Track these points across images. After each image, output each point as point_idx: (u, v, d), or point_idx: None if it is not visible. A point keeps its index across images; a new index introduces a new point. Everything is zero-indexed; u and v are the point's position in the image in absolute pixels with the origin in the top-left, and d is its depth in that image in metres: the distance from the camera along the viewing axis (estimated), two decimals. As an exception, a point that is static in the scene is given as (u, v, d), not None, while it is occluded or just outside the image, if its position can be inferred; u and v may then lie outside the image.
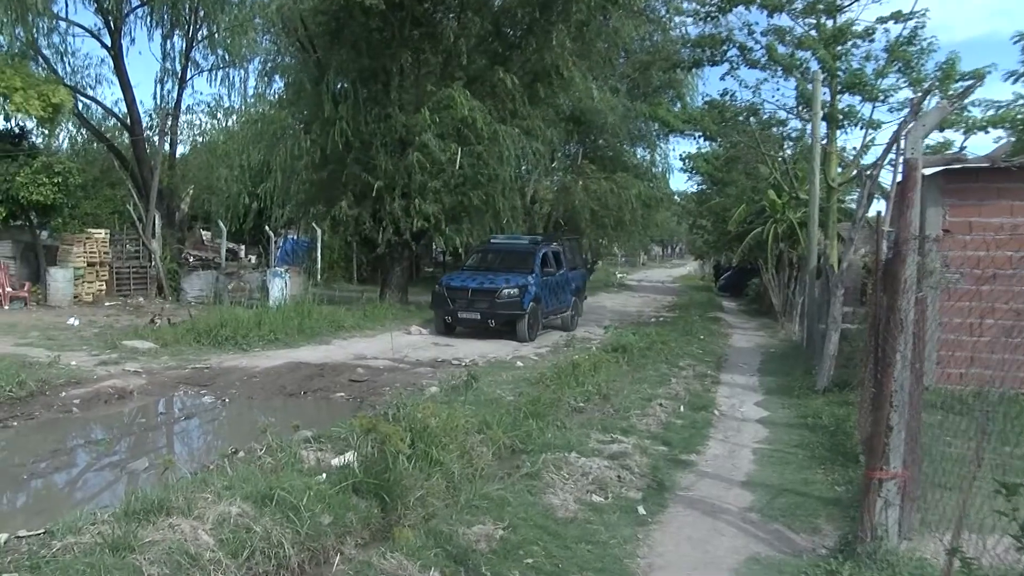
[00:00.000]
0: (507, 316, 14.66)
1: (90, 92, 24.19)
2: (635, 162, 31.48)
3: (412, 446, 5.00)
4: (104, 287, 18.49)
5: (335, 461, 5.30)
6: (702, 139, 21.82)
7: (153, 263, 19.46)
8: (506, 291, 14.62)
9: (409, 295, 20.22)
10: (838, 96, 17.37)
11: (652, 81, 28.37)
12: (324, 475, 4.92)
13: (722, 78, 19.48)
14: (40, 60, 20.82)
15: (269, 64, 20.84)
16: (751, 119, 19.60)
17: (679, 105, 27.65)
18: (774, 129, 20.24)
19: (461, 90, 17.12)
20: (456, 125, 17.35)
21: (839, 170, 17.96)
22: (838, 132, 17.73)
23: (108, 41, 21.77)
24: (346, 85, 17.72)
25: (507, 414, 6.77)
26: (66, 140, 26.62)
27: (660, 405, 8.46)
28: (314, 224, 20.81)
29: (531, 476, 5.54)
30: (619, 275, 43.07)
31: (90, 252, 18.26)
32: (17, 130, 19.52)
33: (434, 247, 37.86)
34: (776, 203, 21.63)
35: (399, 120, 17.60)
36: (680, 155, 35.97)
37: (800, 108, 18.70)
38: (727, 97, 19.86)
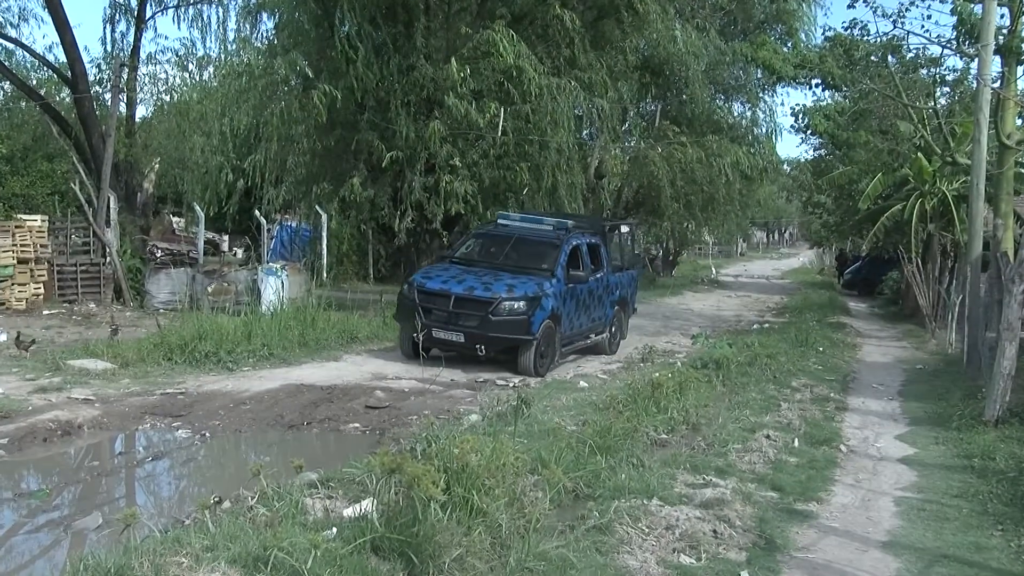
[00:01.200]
0: (506, 340, 12.78)
1: (12, 33, 24.41)
2: (731, 122, 31.29)
3: (447, 491, 5.04)
4: (42, 290, 18.73)
5: (348, 511, 5.37)
6: (821, 88, 21.65)
7: (108, 259, 19.83)
8: (507, 302, 12.72)
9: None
10: (1022, 19, 16.58)
11: (753, 14, 28.18)
12: (334, 529, 4.98)
13: (850, 5, 18.83)
14: None
15: (254, -1, 21.05)
16: (889, 58, 19.25)
17: (790, 45, 27.41)
18: (922, 71, 19.87)
19: (504, 31, 17.15)
20: (498, 78, 17.41)
21: (1018, 123, 17.46)
22: (1019, 70, 17.09)
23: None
24: (357, 26, 17.76)
25: (568, 449, 6.79)
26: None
27: (767, 437, 8.41)
28: (318, 207, 21.12)
29: (600, 530, 5.55)
30: (709, 270, 42.78)
31: (21, 245, 18.30)
32: None
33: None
34: (925, 170, 21.23)
35: (425, 72, 17.68)
36: (791, 109, 35.58)
37: (961, 39, 18.14)
38: (856, 31, 19.53)
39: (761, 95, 30.98)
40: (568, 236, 14.29)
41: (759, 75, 28.19)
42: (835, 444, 8.55)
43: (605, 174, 28.68)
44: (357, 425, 9.32)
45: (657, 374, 10.15)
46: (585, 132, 23.14)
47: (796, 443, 8.39)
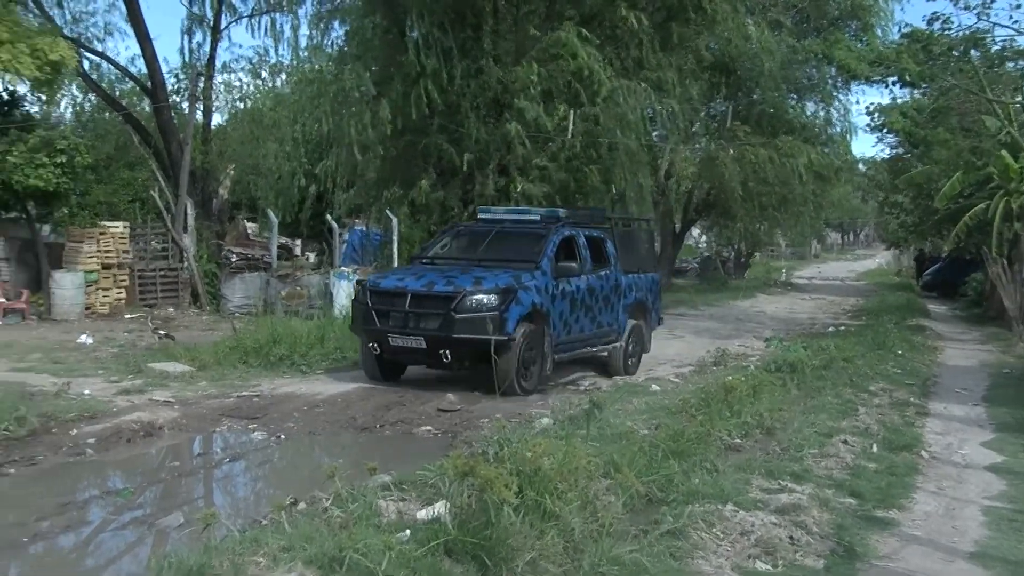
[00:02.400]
0: (475, 343, 10.55)
1: (97, 47, 25.21)
2: (804, 121, 30.86)
3: (520, 494, 5.03)
4: (124, 295, 19.24)
5: (421, 514, 5.39)
6: (897, 86, 21.15)
7: (185, 264, 20.31)
8: (472, 296, 10.72)
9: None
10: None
11: (828, 10, 27.71)
12: (408, 532, 5.00)
13: (931, -1, 18.36)
14: (31, 4, 21.85)
15: (325, 6, 21.31)
16: (972, 52, 18.74)
17: (865, 41, 26.89)
18: (1008, 64, 19.27)
19: (574, 31, 17.12)
20: (567, 80, 17.40)
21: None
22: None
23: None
24: (428, 31, 17.91)
25: (641, 453, 6.73)
26: (69, 108, 28.01)
27: (844, 443, 8.24)
28: (388, 211, 21.33)
29: (674, 534, 5.48)
30: (782, 272, 42.21)
31: (105, 251, 18.86)
32: (6, 96, 20.32)
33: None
34: (1011, 168, 20.59)
35: (494, 75, 17.77)
36: (867, 108, 34.93)
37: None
38: (936, 25, 19.05)
39: (835, 94, 30.46)
40: (558, 226, 12.35)
41: (833, 73, 27.68)
42: (916, 450, 8.34)
43: (675, 175, 28.48)
44: (429, 428, 9.39)
45: (730, 377, 10.03)
46: (655, 133, 23.01)
47: (875, 448, 8.21)
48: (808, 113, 31.79)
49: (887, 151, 35.89)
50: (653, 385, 11.80)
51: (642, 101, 18.32)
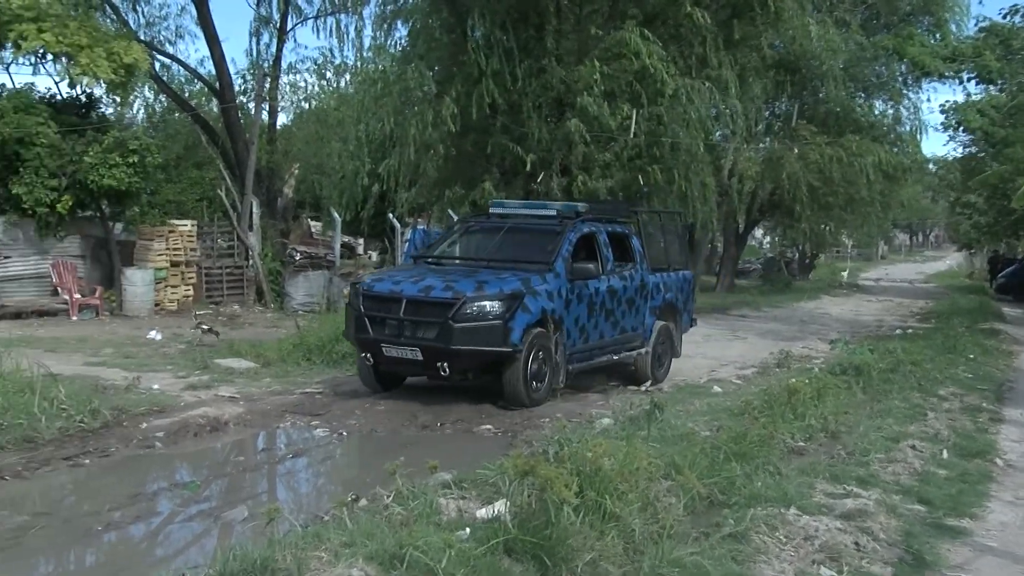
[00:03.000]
0: (477, 355, 9.88)
1: (169, 49, 25.86)
2: (871, 120, 30.32)
3: (580, 494, 5.01)
4: (191, 292, 19.66)
5: (481, 512, 5.41)
6: (973, 82, 20.59)
7: (251, 262, 20.63)
8: (474, 303, 9.78)
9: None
10: None
11: (899, 6, 27.17)
12: (468, 530, 5.02)
13: (1009, -9, 17.82)
14: (108, 10, 22.47)
15: (389, 7, 21.44)
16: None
17: (938, 37, 26.30)
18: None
19: (636, 31, 17.05)
20: (629, 79, 17.31)
21: None
22: None
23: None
24: (491, 31, 17.94)
25: (703, 455, 6.68)
26: (141, 110, 28.81)
27: (912, 448, 8.07)
28: (450, 210, 21.44)
29: (735, 538, 5.42)
30: (843, 273, 41.53)
31: (174, 249, 19.30)
32: (84, 99, 20.97)
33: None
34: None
35: (556, 75, 17.74)
36: (941, 106, 34.17)
37: None
38: (1017, 17, 18.49)
39: (905, 91, 29.83)
40: (576, 223, 11.37)
41: (903, 70, 27.13)
42: (990, 457, 8.11)
43: (737, 174, 28.18)
44: (489, 427, 9.41)
45: (794, 379, 9.90)
46: (718, 133, 22.79)
47: (945, 455, 8.02)
48: (876, 111, 31.22)
49: (959, 150, 35.03)
50: (715, 386, 11.72)
51: (705, 100, 18.13)
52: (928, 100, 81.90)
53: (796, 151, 26.31)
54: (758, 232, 43.76)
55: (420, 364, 9.98)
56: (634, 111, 17.25)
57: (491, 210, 12.60)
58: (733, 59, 19.18)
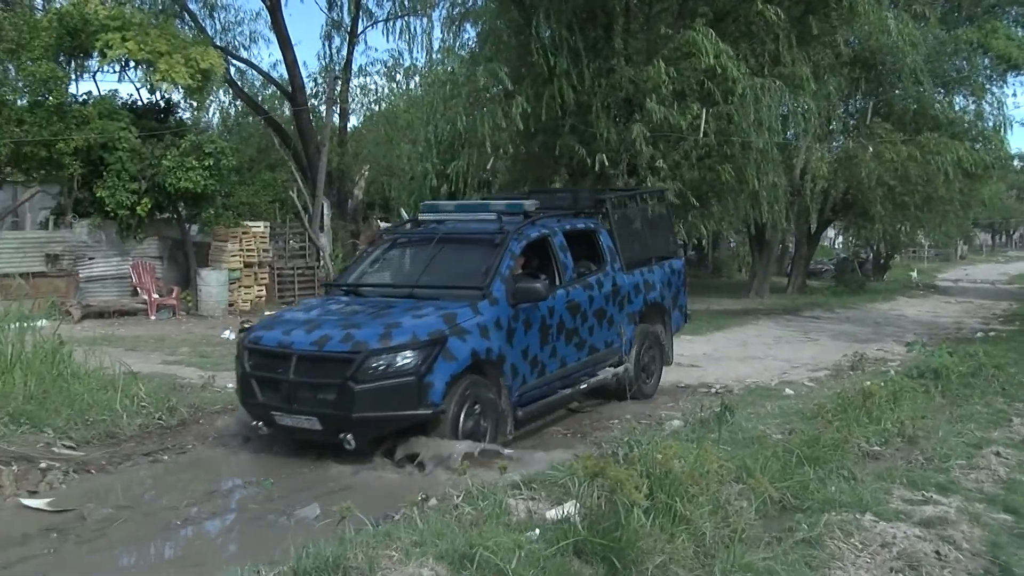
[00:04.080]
0: (387, 422, 7.70)
1: (243, 54, 26.56)
2: (951, 116, 29.50)
3: (650, 497, 4.98)
4: (264, 292, 20.07)
5: (551, 513, 5.41)
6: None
7: (322, 263, 20.95)
8: (379, 357, 7.57)
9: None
10: None
11: (983, -4, 26.46)
12: (537, 531, 5.02)
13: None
14: (186, 17, 23.05)
15: (458, 9, 21.63)
16: None
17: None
18: None
19: (705, 31, 16.92)
20: (699, 78, 17.19)
21: None
22: None
23: (264, -12, 23.64)
24: (558, 32, 17.95)
25: (774, 458, 6.58)
26: (216, 114, 29.55)
27: (996, 455, 7.78)
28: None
29: (809, 543, 5.32)
30: (914, 274, 40.59)
31: (247, 250, 19.77)
32: (162, 104, 21.54)
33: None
34: None
35: (625, 75, 17.70)
36: (1027, 101, 33.32)
37: None
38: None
39: (988, 86, 29.02)
40: (522, 227, 9.21)
41: (986, 64, 26.39)
42: (1082, 466, 7.84)
43: (809, 173, 27.74)
44: (559, 428, 9.42)
45: (869, 382, 9.69)
46: (790, 132, 22.47)
47: (1031, 462, 7.77)
48: (956, 107, 30.42)
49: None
50: (786, 389, 11.53)
51: (776, 99, 17.91)
52: (1014, 95, 79.75)
53: (871, 149, 25.78)
54: (830, 232, 42.98)
55: (315, 434, 7.85)
56: (704, 110, 17.11)
57: (420, 215, 10.27)
58: (806, 56, 18.94)
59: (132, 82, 20.46)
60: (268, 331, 8.29)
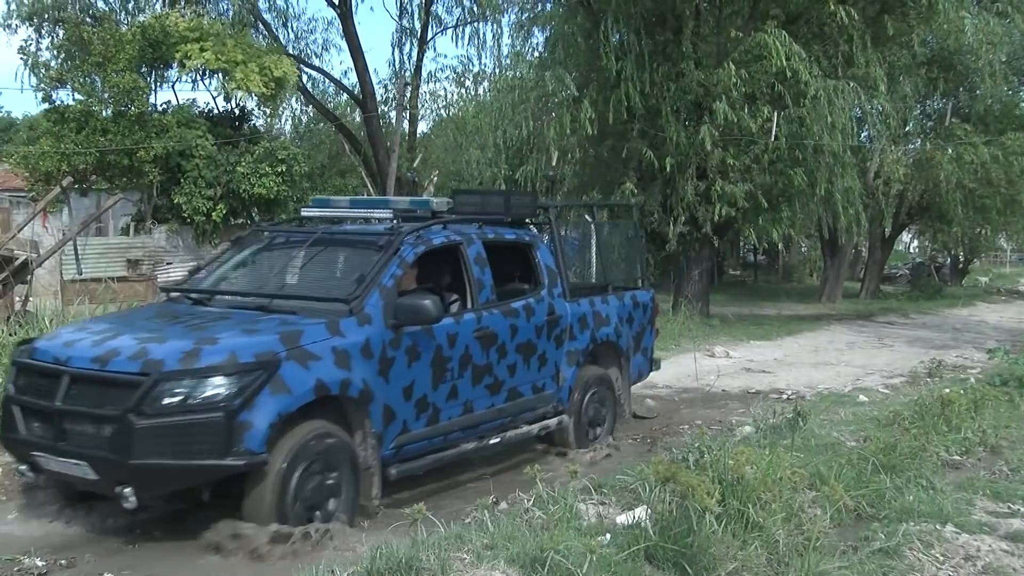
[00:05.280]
0: (179, 474, 5.62)
1: (315, 62, 26.99)
2: (1035, 116, 28.72)
3: (722, 503, 4.93)
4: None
5: (621, 518, 5.38)
6: None
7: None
8: (177, 383, 5.56)
9: (711, 305, 20.11)
10: None
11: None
12: (608, 536, 5.00)
13: None
14: (260, 26, 23.51)
15: (527, 14, 21.73)
16: None
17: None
18: None
19: (776, 33, 16.72)
20: (770, 81, 17.01)
21: None
22: None
23: (336, -3, 23.97)
24: (627, 36, 17.94)
25: (849, 465, 6.45)
26: (288, 121, 30.09)
27: (1085, 466, 7.61)
28: (587, 216, 21.43)
29: (886, 553, 5.20)
30: (985, 279, 39.46)
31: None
32: (237, 111, 22.00)
33: (742, 243, 37.61)
34: None
35: (695, 78, 17.59)
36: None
37: None
38: None
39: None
40: (420, 230, 7.18)
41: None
42: None
43: (883, 176, 27.23)
44: (627, 433, 9.36)
45: (948, 390, 9.45)
46: (864, 134, 22.09)
47: None
48: (1044, 106, 29.59)
49: None
50: (860, 395, 11.31)
51: (850, 101, 17.63)
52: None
53: (950, 151, 25.21)
54: (905, 236, 42.09)
55: (94, 484, 5.72)
56: (775, 113, 16.91)
57: (304, 211, 8.50)
58: (881, 57, 18.61)
59: (208, 91, 20.98)
60: (50, 341, 6.23)
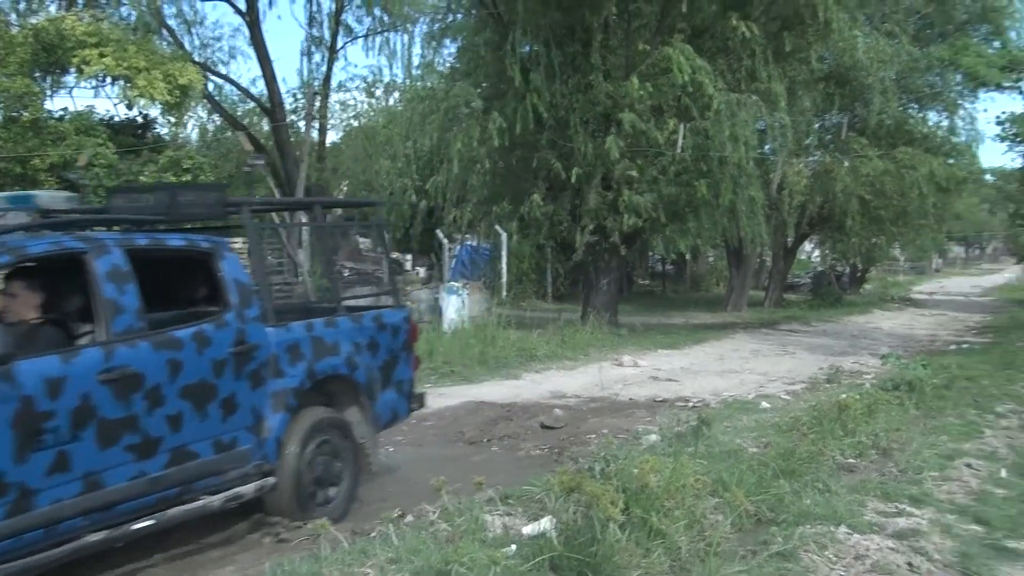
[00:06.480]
0: None
1: (222, 69, 26.61)
2: (925, 131, 29.91)
3: (626, 511, 5.00)
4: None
5: (527, 529, 5.40)
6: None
7: (300, 278, 20.91)
8: None
9: (619, 315, 20.33)
10: None
11: (954, 15, 26.88)
12: (513, 547, 5.01)
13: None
14: (164, 32, 23.04)
15: (438, 25, 21.71)
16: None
17: (996, 45, 25.94)
18: None
19: (681, 47, 17.06)
20: (677, 93, 17.33)
21: None
22: None
23: (243, 5, 23.57)
24: (535, 47, 18.08)
25: (750, 471, 6.61)
26: (195, 129, 29.52)
27: (968, 466, 7.86)
28: (497, 227, 21.55)
29: (784, 556, 5.34)
30: (889, 288, 40.92)
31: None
32: (140, 119, 21.49)
33: (651, 254, 38.19)
34: None
35: (603, 90, 17.81)
36: (997, 118, 33.54)
37: None
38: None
39: (960, 102, 29.42)
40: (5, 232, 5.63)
41: (958, 81, 26.75)
42: (1049, 476, 7.91)
43: (787, 187, 28.02)
44: (535, 443, 9.40)
45: (844, 395, 9.75)
46: (767, 146, 22.67)
47: (1003, 474, 7.80)
48: (930, 122, 30.81)
49: (1018, 160, 34.39)
50: (763, 402, 11.54)
51: (753, 114, 18.09)
52: (985, 110, 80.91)
53: (847, 164, 26.07)
54: (807, 246, 43.31)
55: None
56: (681, 125, 17.23)
57: None
58: (782, 72, 19.14)
59: (109, 98, 20.41)
60: None
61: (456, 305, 18.12)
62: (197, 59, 23.37)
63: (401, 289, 8.43)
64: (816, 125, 28.40)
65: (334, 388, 6.86)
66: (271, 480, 6.11)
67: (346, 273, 22.03)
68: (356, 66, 73.69)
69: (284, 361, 6.29)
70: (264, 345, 6.16)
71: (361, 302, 8.49)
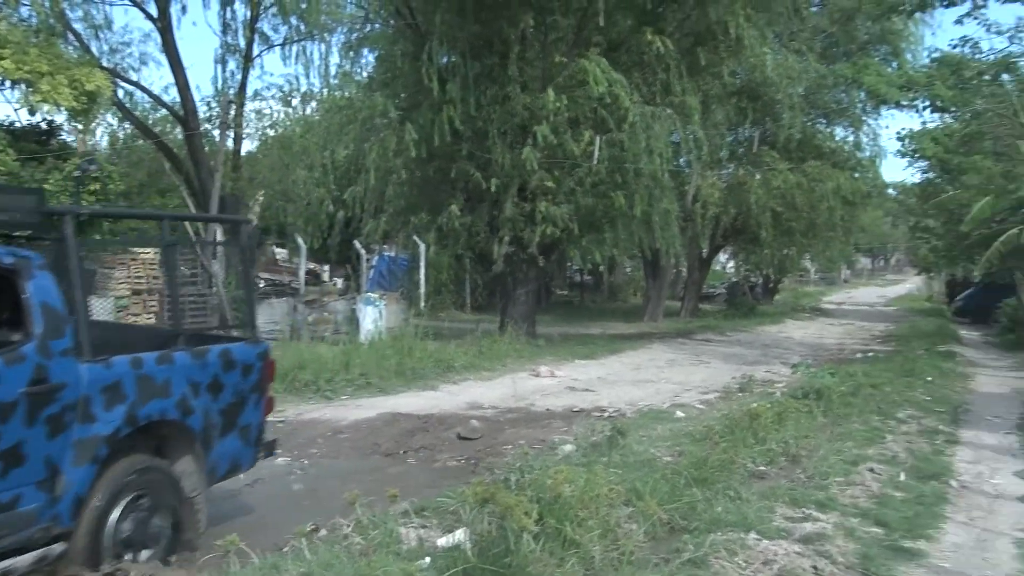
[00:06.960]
0: None
1: (132, 76, 25.77)
2: (832, 146, 30.81)
3: (540, 522, 5.03)
4: (153, 320, 19.56)
5: (442, 541, 5.41)
6: (928, 110, 21.10)
7: (215, 289, 20.53)
8: None
9: (538, 326, 20.42)
10: None
11: (857, 35, 27.83)
12: (428, 559, 5.02)
13: (958, 21, 18.29)
14: (70, 36, 22.38)
15: (355, 35, 21.56)
16: (1003, 76, 18.66)
17: (895, 65, 26.89)
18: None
19: (597, 60, 17.26)
20: (593, 105, 17.51)
21: None
22: None
23: (154, 10, 22.97)
24: (453, 59, 18.11)
25: (663, 480, 6.71)
26: (104, 137, 28.72)
27: (871, 471, 8.15)
28: (416, 237, 21.47)
29: (695, 563, 5.44)
30: (800, 298, 42.00)
31: (135, 277, 19.24)
32: (44, 126, 20.83)
33: (569, 264, 38.48)
34: (1045, 192, 20.39)
35: (520, 101, 17.90)
36: (897, 134, 34.86)
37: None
38: (966, 48, 19.03)
39: (864, 118, 30.41)
40: None
41: (862, 98, 27.64)
42: (945, 479, 8.20)
43: (701, 200, 28.53)
44: (452, 455, 9.39)
45: (755, 404, 9.97)
46: (682, 159, 23.05)
47: (902, 477, 8.10)
48: (837, 138, 31.74)
49: (917, 176, 35.64)
50: (678, 412, 11.74)
51: (667, 127, 18.39)
52: (887, 127, 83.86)
53: (759, 177, 26.67)
54: (722, 257, 44.16)
55: None
56: (597, 137, 17.41)
57: None
58: (696, 86, 19.49)
59: (9, 102, 19.67)
60: None
61: (373, 316, 18.01)
62: (106, 64, 22.70)
63: (257, 324, 7.19)
64: (729, 138, 28.99)
65: (165, 434, 5.82)
66: (58, 548, 5.00)
67: (262, 283, 21.73)
68: (273, 75, 72.81)
69: (98, 403, 5.21)
70: (72, 384, 5.09)
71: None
